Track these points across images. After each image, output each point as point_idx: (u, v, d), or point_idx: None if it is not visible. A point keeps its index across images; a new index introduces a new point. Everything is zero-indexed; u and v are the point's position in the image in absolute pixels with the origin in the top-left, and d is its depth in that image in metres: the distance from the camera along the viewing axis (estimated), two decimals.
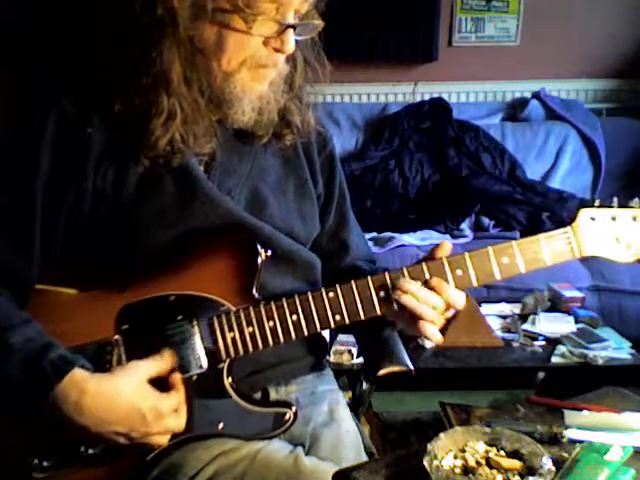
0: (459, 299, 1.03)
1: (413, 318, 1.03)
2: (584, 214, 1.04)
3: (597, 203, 1.04)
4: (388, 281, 1.03)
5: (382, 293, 1.03)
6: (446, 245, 1.05)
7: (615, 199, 1.04)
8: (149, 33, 0.96)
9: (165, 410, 0.95)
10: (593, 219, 1.04)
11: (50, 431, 0.95)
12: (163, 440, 0.98)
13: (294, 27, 1.00)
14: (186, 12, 0.97)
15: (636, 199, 1.04)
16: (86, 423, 0.92)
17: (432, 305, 1.01)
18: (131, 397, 0.93)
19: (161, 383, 0.97)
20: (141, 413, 0.93)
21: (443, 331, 1.06)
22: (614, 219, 1.04)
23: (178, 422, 0.97)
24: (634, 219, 1.04)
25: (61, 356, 0.93)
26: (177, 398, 0.97)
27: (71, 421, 0.91)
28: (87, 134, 1.00)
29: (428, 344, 2.33)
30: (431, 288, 1.02)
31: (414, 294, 1.01)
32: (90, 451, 0.98)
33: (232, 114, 1.04)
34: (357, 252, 1.29)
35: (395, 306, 1.03)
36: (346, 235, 1.27)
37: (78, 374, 0.92)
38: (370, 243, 2.68)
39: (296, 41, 1.01)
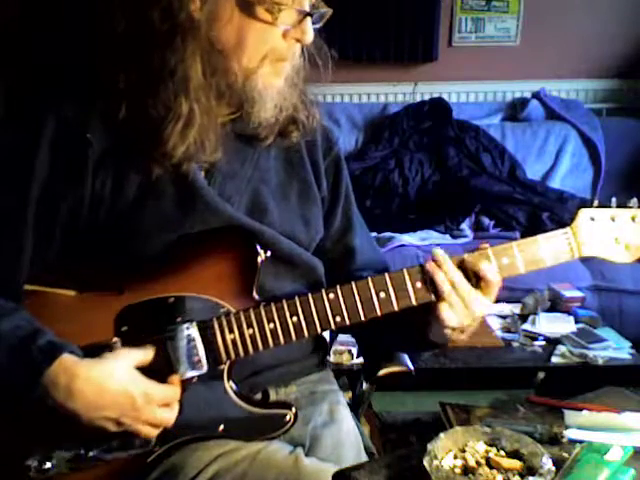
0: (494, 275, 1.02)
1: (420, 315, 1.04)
2: (583, 214, 1.04)
3: (596, 203, 1.04)
4: (388, 282, 1.03)
5: (382, 294, 1.03)
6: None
7: (614, 199, 1.04)
8: (169, 40, 0.96)
9: (156, 397, 0.95)
10: (592, 219, 1.04)
11: (45, 428, 0.95)
12: (152, 432, 0.97)
13: (311, 15, 1.00)
14: (205, 14, 0.97)
15: (634, 199, 1.04)
16: (76, 408, 0.92)
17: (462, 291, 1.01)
18: (122, 381, 0.93)
19: (157, 378, 0.97)
20: (131, 397, 0.93)
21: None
22: (613, 219, 1.04)
23: (168, 415, 0.97)
24: (633, 219, 1.04)
25: (50, 342, 0.93)
26: (170, 391, 0.97)
27: (62, 407, 0.91)
28: (87, 139, 0.99)
29: None
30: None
31: (445, 269, 1.01)
32: (90, 453, 0.98)
33: (255, 112, 1.03)
34: (363, 257, 1.25)
35: (395, 307, 1.03)
36: (351, 240, 1.24)
37: (67, 359, 0.92)
38: None
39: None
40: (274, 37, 1.00)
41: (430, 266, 1.02)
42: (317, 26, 1.04)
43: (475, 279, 1.02)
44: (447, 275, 1.01)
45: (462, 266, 1.02)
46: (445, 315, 1.01)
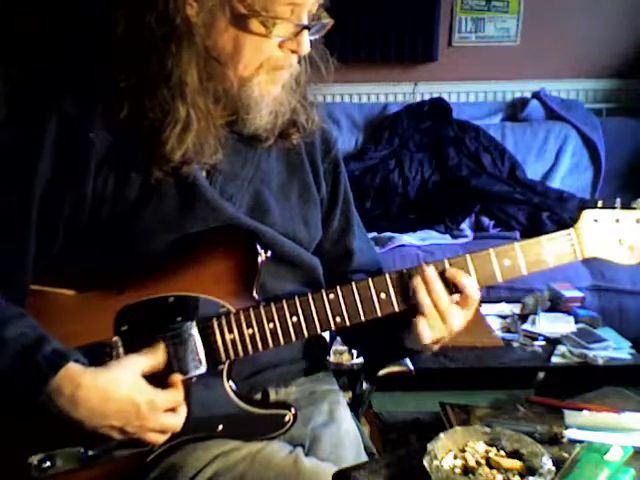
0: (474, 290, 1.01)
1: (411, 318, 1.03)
2: (587, 215, 1.03)
3: (600, 204, 1.03)
4: (389, 282, 1.03)
5: (383, 295, 1.03)
6: None
7: (618, 200, 1.03)
8: (165, 44, 0.96)
9: (161, 404, 0.95)
10: (596, 221, 1.03)
11: (46, 428, 0.95)
12: (159, 438, 0.97)
13: (309, 28, 1.00)
14: (201, 21, 0.97)
15: (639, 200, 1.03)
16: (81, 417, 0.91)
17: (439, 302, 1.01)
18: (126, 390, 0.93)
19: (161, 382, 0.97)
20: (136, 406, 0.93)
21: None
22: (617, 221, 1.03)
23: (175, 421, 0.97)
24: (638, 221, 1.03)
25: (55, 350, 0.93)
26: (175, 396, 0.97)
27: (66, 415, 0.91)
28: (89, 138, 0.99)
29: None
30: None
31: (430, 287, 1.00)
32: (90, 452, 0.98)
33: (250, 119, 1.04)
34: (361, 258, 1.25)
35: (396, 308, 1.03)
36: (350, 241, 1.24)
37: (72, 368, 0.92)
38: None
39: (310, 41, 1.01)
40: (270, 47, 1.00)
41: (415, 282, 1.01)
42: (316, 37, 1.04)
43: (455, 290, 1.02)
44: (429, 291, 1.00)
45: (443, 277, 1.02)
46: (421, 329, 1.01)
